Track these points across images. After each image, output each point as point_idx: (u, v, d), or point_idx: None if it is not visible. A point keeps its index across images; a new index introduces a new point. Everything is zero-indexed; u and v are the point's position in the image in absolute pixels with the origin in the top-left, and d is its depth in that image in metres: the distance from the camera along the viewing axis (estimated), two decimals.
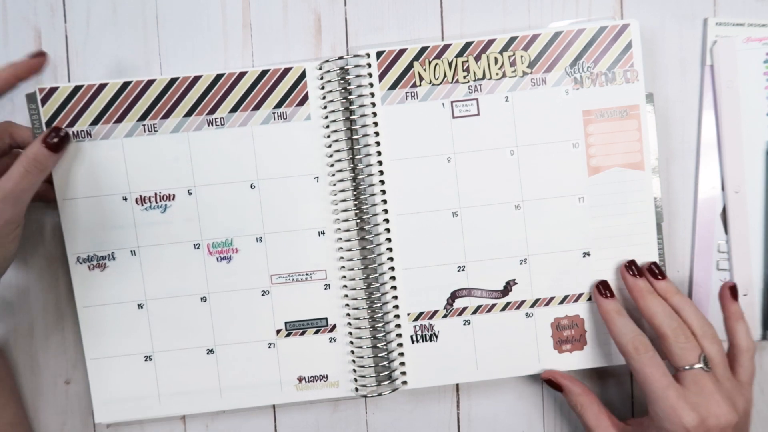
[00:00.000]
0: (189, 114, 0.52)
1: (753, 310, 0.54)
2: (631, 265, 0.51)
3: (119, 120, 0.52)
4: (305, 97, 0.52)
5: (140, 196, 0.52)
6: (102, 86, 0.51)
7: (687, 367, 0.46)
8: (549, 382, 0.53)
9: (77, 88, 0.51)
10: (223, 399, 0.53)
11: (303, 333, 0.53)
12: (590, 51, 0.52)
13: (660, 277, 0.51)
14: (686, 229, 0.56)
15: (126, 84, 0.52)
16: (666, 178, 0.55)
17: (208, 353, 0.53)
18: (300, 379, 0.53)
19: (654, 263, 0.51)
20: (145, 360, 0.53)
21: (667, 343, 0.47)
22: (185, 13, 0.54)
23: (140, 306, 0.53)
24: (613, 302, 0.51)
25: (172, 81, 0.52)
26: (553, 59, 0.52)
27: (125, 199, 0.52)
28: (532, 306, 0.53)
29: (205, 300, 0.53)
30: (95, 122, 0.52)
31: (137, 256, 0.53)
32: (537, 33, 0.52)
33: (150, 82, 0.52)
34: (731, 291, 0.52)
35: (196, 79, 0.52)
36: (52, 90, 0.51)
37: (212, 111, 0.52)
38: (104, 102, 0.52)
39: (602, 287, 0.51)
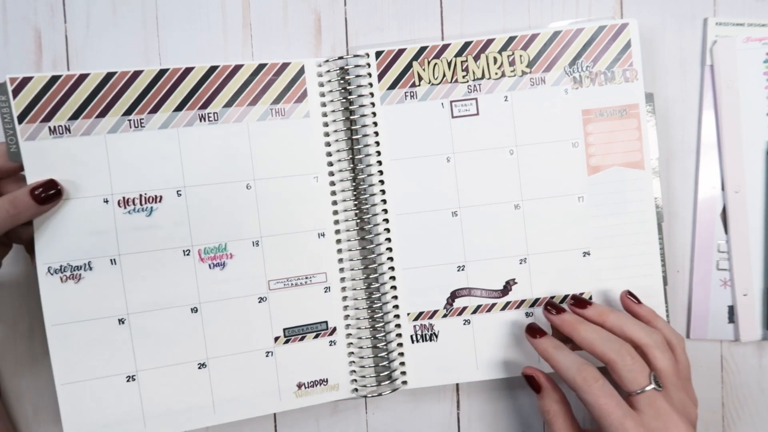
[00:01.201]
0: (179, 108, 0.49)
1: (753, 310, 0.54)
2: (550, 306, 0.49)
3: (102, 114, 0.48)
4: (304, 94, 0.51)
5: (123, 197, 0.48)
6: (83, 77, 0.47)
7: (639, 391, 0.44)
8: (529, 380, 0.50)
9: (54, 79, 0.47)
10: (217, 414, 0.50)
11: (302, 339, 0.52)
12: (589, 50, 0.52)
13: (586, 306, 0.49)
14: (686, 229, 0.56)
15: (110, 75, 0.48)
16: (666, 178, 0.55)
17: (199, 367, 0.50)
18: (299, 386, 0.52)
19: (573, 295, 0.50)
20: (128, 380, 0.49)
21: (615, 368, 0.45)
22: (185, 13, 0.54)
23: (121, 321, 0.49)
24: (546, 339, 0.48)
25: (161, 73, 0.48)
26: (552, 59, 0.52)
27: (106, 202, 0.48)
28: (532, 305, 0.53)
29: (196, 311, 0.50)
30: (75, 116, 0.47)
31: (118, 265, 0.48)
32: (536, 32, 0.52)
33: (137, 74, 0.48)
34: (630, 296, 0.51)
35: (188, 71, 0.49)
36: (26, 80, 0.47)
37: (205, 105, 0.49)
38: (85, 94, 0.47)
39: (532, 329, 0.49)
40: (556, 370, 0.47)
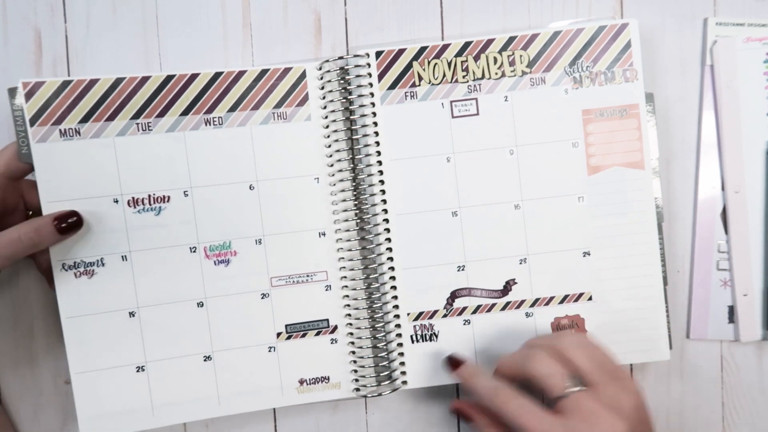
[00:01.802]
0: (185, 113, 0.51)
1: (753, 310, 0.54)
2: (450, 361, 0.49)
3: (111, 118, 0.50)
4: (305, 98, 0.52)
5: (133, 198, 0.50)
6: (93, 82, 0.49)
7: (563, 395, 0.43)
8: (459, 413, 0.49)
9: (65, 83, 0.49)
10: (222, 406, 0.52)
11: (304, 335, 0.52)
12: (589, 50, 0.52)
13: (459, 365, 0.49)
14: (686, 229, 0.56)
15: (119, 80, 0.50)
16: (666, 178, 0.55)
17: (205, 360, 0.51)
18: (301, 382, 0.52)
19: (449, 356, 0.50)
20: (137, 371, 0.51)
21: (534, 380, 0.44)
22: (185, 13, 0.54)
23: (132, 314, 0.51)
24: (464, 368, 0.48)
25: (168, 78, 0.50)
26: (552, 59, 0.52)
27: (116, 202, 0.50)
28: (532, 306, 0.53)
29: (202, 305, 0.51)
30: (85, 120, 0.49)
31: (128, 261, 0.50)
32: (536, 32, 0.52)
33: (145, 79, 0.50)
34: (452, 363, 0.49)
35: (194, 77, 0.50)
36: (38, 84, 0.49)
37: (210, 110, 0.51)
38: (95, 98, 0.49)
39: (449, 362, 0.49)
40: (477, 396, 0.46)
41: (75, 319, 0.50)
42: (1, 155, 0.48)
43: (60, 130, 0.49)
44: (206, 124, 0.51)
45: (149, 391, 0.51)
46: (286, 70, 0.51)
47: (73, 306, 0.50)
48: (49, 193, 0.49)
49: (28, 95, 0.49)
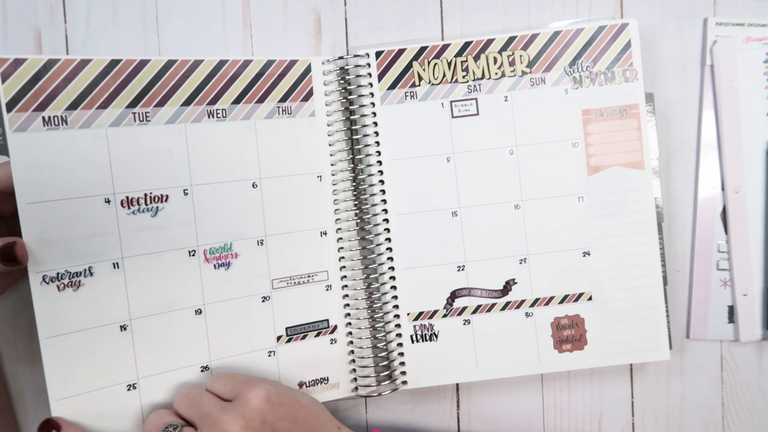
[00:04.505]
0: (187, 103, 0.47)
1: (753, 310, 0.54)
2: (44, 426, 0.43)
3: (104, 105, 0.44)
4: (310, 93, 0.51)
5: (127, 197, 0.45)
6: (84, 62, 0.44)
7: None
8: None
9: (51, 63, 0.43)
10: None
11: (304, 337, 0.51)
12: (589, 50, 0.52)
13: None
14: (686, 229, 0.56)
15: (115, 62, 0.44)
16: (666, 178, 0.55)
17: (202, 370, 0.48)
18: (300, 385, 0.51)
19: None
20: (128, 389, 0.46)
21: None
22: (185, 13, 0.54)
23: (123, 328, 0.45)
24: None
25: (170, 63, 0.46)
26: (552, 59, 0.52)
27: (108, 202, 0.45)
28: (532, 306, 0.53)
29: (200, 312, 0.48)
30: (73, 107, 0.43)
31: (121, 268, 0.45)
32: (536, 33, 0.52)
33: (144, 63, 0.45)
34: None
35: (197, 63, 0.47)
36: (17, 62, 0.42)
37: (213, 101, 0.47)
38: (86, 82, 0.44)
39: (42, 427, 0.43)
40: None
41: (57, 339, 0.44)
42: None
43: (43, 118, 0.43)
44: (209, 116, 0.48)
45: (141, 409, 0.46)
46: (292, 62, 0.50)
47: (56, 324, 0.43)
48: (28, 193, 0.42)
49: (5, 75, 0.42)
